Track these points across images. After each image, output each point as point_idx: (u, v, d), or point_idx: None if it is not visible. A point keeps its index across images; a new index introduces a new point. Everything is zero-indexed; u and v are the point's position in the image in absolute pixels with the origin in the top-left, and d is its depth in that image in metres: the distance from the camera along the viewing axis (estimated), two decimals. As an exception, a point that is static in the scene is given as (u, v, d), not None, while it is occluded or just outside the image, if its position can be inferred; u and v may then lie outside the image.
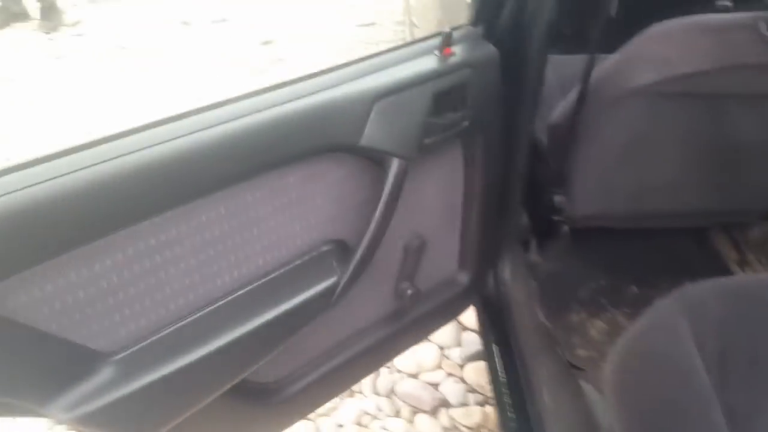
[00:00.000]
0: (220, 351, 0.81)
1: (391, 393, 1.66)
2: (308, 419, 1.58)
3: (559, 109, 1.25)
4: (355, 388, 1.66)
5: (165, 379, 0.77)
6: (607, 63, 1.17)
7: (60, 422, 0.72)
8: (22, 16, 3.78)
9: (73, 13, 3.86)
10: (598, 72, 1.15)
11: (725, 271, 1.59)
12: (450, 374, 1.69)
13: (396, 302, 1.14)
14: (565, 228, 1.39)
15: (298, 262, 0.91)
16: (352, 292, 0.97)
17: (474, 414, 1.58)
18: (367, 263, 0.93)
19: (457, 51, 0.91)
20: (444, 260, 1.22)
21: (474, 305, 1.42)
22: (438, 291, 1.23)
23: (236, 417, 0.99)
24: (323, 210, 0.90)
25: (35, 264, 0.63)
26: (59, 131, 2.77)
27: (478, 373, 1.68)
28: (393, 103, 0.85)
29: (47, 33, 3.69)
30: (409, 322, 1.19)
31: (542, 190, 1.35)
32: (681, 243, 1.66)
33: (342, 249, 0.95)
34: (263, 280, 0.88)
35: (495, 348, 1.32)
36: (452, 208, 1.14)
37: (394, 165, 0.87)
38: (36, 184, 0.60)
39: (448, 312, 1.34)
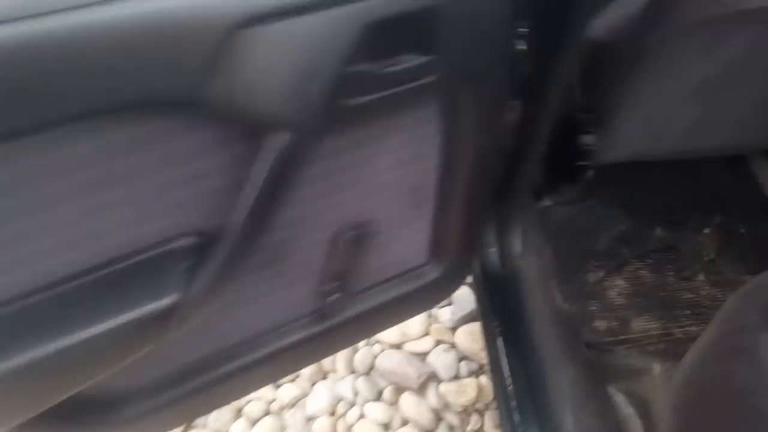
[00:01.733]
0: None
1: (370, 370, 1.40)
2: (273, 413, 1.33)
3: (608, 20, 0.85)
4: (327, 367, 1.40)
5: None
6: None
7: None
8: None
9: None
10: None
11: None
12: (439, 341, 1.44)
13: (317, 303, 0.85)
14: (590, 173, 1.08)
15: (118, 266, 0.61)
16: (239, 297, 0.72)
17: (467, 389, 1.35)
18: (236, 266, 0.65)
19: None
20: (405, 249, 0.90)
21: (474, 283, 1.13)
22: (396, 284, 0.93)
23: None
24: (162, 194, 0.60)
25: None
26: None
27: (471, 337, 1.44)
28: (277, 34, 0.50)
29: None
30: (344, 322, 0.91)
31: (565, 128, 1.00)
32: (712, 172, 1.36)
33: (205, 245, 0.64)
34: (56, 290, 0.58)
35: (501, 343, 1.04)
36: (419, 187, 0.81)
37: (274, 139, 0.56)
38: None
39: (413, 305, 1.03)
